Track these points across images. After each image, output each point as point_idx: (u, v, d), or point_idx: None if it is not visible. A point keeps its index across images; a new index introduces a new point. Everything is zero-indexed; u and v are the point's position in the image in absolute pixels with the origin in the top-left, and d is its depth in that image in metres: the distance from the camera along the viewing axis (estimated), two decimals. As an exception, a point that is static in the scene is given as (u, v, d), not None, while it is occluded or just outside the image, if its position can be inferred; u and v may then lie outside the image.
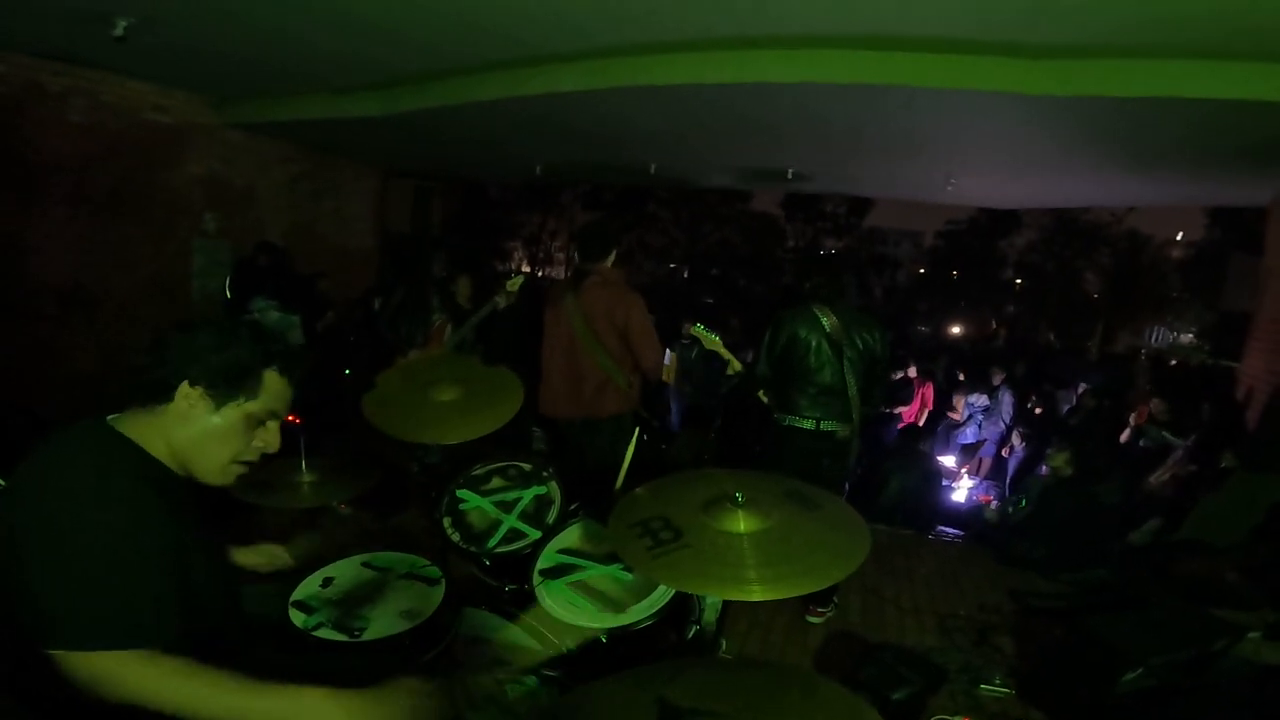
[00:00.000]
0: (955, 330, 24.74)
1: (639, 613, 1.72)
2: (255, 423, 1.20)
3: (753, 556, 1.34)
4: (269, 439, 1.23)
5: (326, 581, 1.93)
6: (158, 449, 1.16)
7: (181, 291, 6.69)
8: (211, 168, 6.94)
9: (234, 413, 1.17)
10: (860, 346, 3.13)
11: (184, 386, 1.15)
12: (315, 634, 1.71)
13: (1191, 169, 5.62)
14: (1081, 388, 6.98)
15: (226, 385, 1.16)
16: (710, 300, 20.25)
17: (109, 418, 1.17)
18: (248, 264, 6.40)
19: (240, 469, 1.22)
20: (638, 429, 2.50)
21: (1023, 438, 6.65)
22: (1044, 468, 4.85)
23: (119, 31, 4.34)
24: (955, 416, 7.69)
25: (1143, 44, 3.50)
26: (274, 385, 1.20)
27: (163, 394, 1.15)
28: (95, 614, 0.97)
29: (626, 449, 2.26)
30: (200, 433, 1.16)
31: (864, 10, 3.50)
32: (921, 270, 31.57)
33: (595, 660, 1.69)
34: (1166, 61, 3.59)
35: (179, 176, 6.66)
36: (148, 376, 1.15)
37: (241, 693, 0.99)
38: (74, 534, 1.00)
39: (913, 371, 7.93)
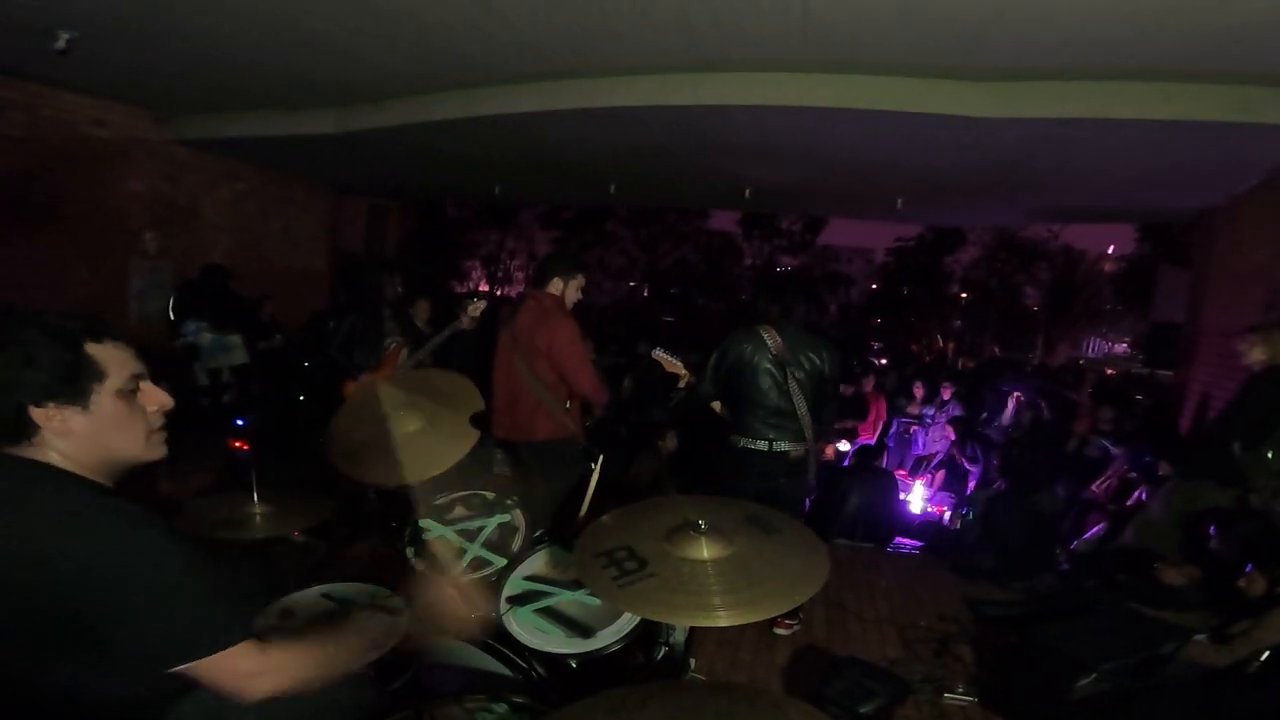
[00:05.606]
0: (909, 345, 25.44)
1: (608, 637, 1.71)
2: (128, 394, 1.13)
3: (717, 583, 1.35)
4: (155, 398, 1.17)
5: (285, 614, 1.86)
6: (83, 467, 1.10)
7: (118, 314, 6.36)
8: (153, 185, 6.65)
9: (102, 399, 1.10)
10: (807, 367, 3.15)
11: (34, 411, 1.05)
12: None
13: (1124, 186, 5.95)
14: (1016, 397, 7.24)
15: (70, 384, 1.08)
16: (670, 319, 20.34)
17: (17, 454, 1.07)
18: (190, 286, 6.19)
19: (159, 435, 1.18)
20: (600, 456, 2.48)
21: (967, 454, 6.84)
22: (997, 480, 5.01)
23: (60, 44, 4.21)
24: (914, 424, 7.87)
25: (1078, 67, 3.71)
26: (107, 353, 1.12)
27: (21, 430, 1.06)
28: (192, 623, 1.01)
29: (585, 474, 2.25)
30: (94, 434, 1.10)
31: (816, 35, 3.62)
32: (874, 286, 32.45)
33: (565, 685, 1.67)
34: (1103, 83, 3.81)
35: (118, 193, 6.37)
36: None
37: (329, 641, 1.19)
38: (130, 567, 0.99)
39: (869, 385, 8.09)
